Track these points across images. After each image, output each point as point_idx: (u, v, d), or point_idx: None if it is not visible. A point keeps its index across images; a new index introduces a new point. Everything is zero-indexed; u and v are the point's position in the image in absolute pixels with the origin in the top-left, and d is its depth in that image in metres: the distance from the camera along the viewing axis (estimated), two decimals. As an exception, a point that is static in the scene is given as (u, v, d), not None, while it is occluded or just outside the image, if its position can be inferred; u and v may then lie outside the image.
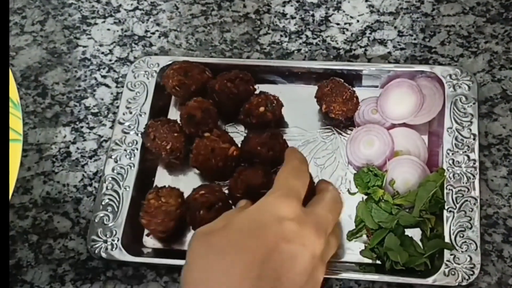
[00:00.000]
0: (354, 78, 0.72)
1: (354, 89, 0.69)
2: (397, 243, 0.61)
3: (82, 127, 0.75)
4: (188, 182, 0.68)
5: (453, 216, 0.61)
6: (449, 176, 0.63)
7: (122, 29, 0.82)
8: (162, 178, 0.70)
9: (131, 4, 0.84)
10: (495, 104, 0.70)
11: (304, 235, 0.49)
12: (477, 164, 0.64)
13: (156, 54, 0.79)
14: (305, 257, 0.49)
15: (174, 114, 0.73)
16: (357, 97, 0.69)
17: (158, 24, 0.81)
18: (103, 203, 0.66)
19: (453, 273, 0.59)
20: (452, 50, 0.74)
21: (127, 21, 0.82)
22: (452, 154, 0.65)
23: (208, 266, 0.48)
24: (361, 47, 0.76)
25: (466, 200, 0.62)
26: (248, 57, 0.77)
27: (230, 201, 0.64)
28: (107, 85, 0.77)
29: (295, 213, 0.50)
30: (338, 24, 0.79)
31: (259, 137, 0.66)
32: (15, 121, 0.62)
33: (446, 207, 0.62)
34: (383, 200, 0.64)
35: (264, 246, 0.48)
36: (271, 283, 0.47)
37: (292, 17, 0.80)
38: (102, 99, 0.76)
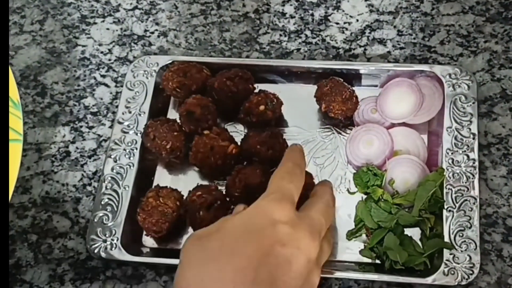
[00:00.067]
0: (354, 77, 0.72)
1: (353, 88, 0.69)
2: (397, 243, 0.61)
3: (81, 126, 0.75)
4: (188, 182, 0.68)
5: (453, 216, 0.61)
6: (448, 176, 0.63)
7: (121, 29, 0.82)
8: (162, 177, 0.70)
9: (131, 4, 0.84)
10: (494, 104, 0.70)
11: (299, 238, 0.49)
12: (476, 163, 0.64)
13: (155, 54, 0.79)
14: (300, 261, 0.48)
15: (173, 113, 0.73)
16: (356, 97, 0.69)
17: (157, 24, 0.81)
18: (102, 202, 0.66)
19: (452, 272, 0.59)
20: (452, 49, 0.74)
21: (127, 20, 0.82)
22: (452, 153, 0.65)
23: (201, 271, 0.47)
24: (360, 46, 0.76)
25: (466, 200, 0.62)
26: (247, 57, 0.77)
27: (228, 200, 0.64)
28: (106, 85, 0.77)
29: (288, 217, 0.50)
30: (337, 23, 0.78)
31: (259, 135, 0.66)
32: (16, 121, 0.62)
33: (445, 207, 0.62)
34: (382, 200, 0.64)
35: (259, 249, 0.47)
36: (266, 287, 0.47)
37: (292, 17, 0.80)
38: (102, 99, 0.76)
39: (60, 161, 0.72)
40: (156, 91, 0.73)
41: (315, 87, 0.70)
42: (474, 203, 0.62)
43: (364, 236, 0.64)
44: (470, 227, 0.61)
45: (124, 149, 0.69)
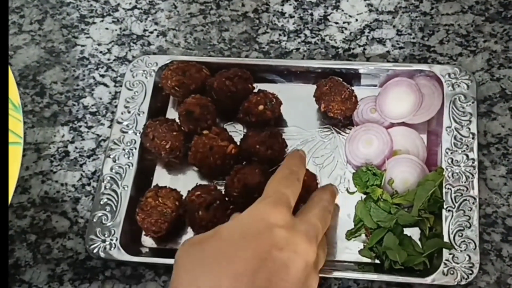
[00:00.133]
0: (353, 77, 0.72)
1: (352, 88, 0.69)
2: (396, 243, 0.61)
3: (80, 126, 0.74)
4: (187, 182, 0.68)
5: (452, 216, 0.61)
6: (448, 175, 0.63)
7: (120, 28, 0.82)
8: (161, 177, 0.70)
9: (130, 3, 0.83)
10: (494, 103, 0.70)
11: (296, 242, 0.48)
12: (476, 163, 0.64)
13: (154, 53, 0.79)
14: (298, 265, 0.48)
15: (172, 113, 0.73)
16: (355, 96, 0.69)
17: (156, 23, 0.81)
18: (101, 202, 0.66)
19: (452, 272, 0.59)
20: (451, 49, 0.74)
21: (126, 20, 0.82)
22: (451, 153, 0.64)
23: (197, 277, 0.46)
24: (359, 46, 0.76)
25: (465, 200, 0.62)
26: (246, 56, 0.77)
27: (227, 200, 0.64)
28: (105, 84, 0.77)
29: (285, 220, 0.49)
30: (336, 23, 0.78)
31: (258, 135, 0.66)
32: (16, 124, 0.62)
33: (445, 207, 0.62)
34: (382, 200, 0.64)
35: (255, 254, 0.47)
36: None
37: (291, 16, 0.80)
38: (101, 99, 0.76)
39: (59, 161, 0.72)
40: (155, 91, 0.73)
41: (314, 86, 0.70)
42: (473, 203, 0.62)
43: (363, 236, 0.64)
44: (469, 227, 0.61)
45: (123, 149, 0.69)
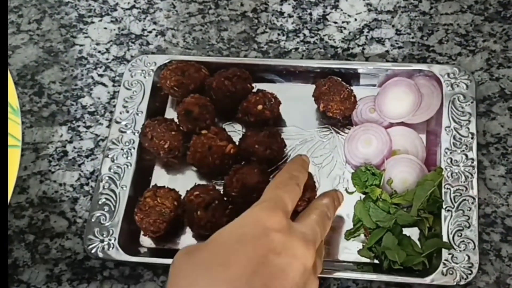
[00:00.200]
0: (352, 77, 0.72)
1: (351, 88, 0.69)
2: (395, 243, 0.61)
3: (78, 126, 0.74)
4: (185, 181, 0.67)
5: (451, 215, 0.61)
6: (447, 175, 0.63)
7: (119, 28, 0.81)
8: (159, 177, 0.69)
9: (128, 3, 0.83)
10: (493, 103, 0.70)
11: (293, 247, 0.47)
12: (475, 163, 0.64)
13: (153, 53, 0.78)
14: (295, 270, 0.46)
15: (171, 113, 0.73)
16: (354, 96, 0.69)
17: (155, 23, 0.81)
18: (99, 202, 0.66)
19: (451, 272, 0.59)
20: (450, 48, 0.74)
21: (124, 19, 0.82)
22: (450, 153, 0.64)
23: (193, 283, 0.45)
24: (358, 45, 0.76)
25: (464, 199, 0.62)
26: (245, 56, 0.77)
27: (226, 199, 0.64)
28: (104, 84, 0.77)
29: (281, 225, 0.48)
30: (335, 22, 0.78)
31: (257, 135, 0.66)
32: (14, 127, 0.62)
33: (444, 206, 0.62)
34: (381, 199, 0.64)
35: (252, 259, 0.45)
36: None
37: (290, 16, 0.80)
38: (99, 98, 0.76)
39: (58, 161, 0.72)
40: (153, 90, 0.72)
41: (313, 86, 0.70)
42: (472, 203, 0.62)
43: (362, 236, 0.64)
44: (468, 227, 0.61)
45: (122, 149, 0.69)
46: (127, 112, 0.71)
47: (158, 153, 0.68)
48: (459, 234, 0.60)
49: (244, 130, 0.70)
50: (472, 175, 0.63)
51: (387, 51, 0.75)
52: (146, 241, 0.66)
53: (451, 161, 0.64)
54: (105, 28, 0.82)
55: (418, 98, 0.68)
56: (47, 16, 0.83)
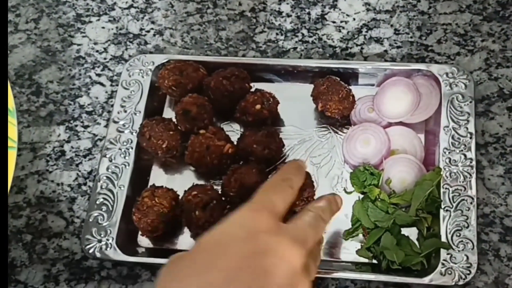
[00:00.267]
0: (350, 76, 0.71)
1: (350, 87, 0.69)
2: (394, 243, 0.61)
3: (76, 125, 0.74)
4: (184, 181, 0.67)
5: (450, 215, 0.61)
6: (445, 175, 0.63)
7: (116, 27, 0.81)
8: (158, 177, 0.69)
9: (126, 2, 0.83)
10: (491, 103, 0.70)
11: (279, 248, 0.45)
12: (473, 163, 0.64)
13: (151, 53, 0.78)
14: (281, 271, 0.45)
15: (169, 112, 0.73)
16: (353, 96, 0.69)
17: (153, 22, 0.81)
18: (97, 202, 0.66)
19: (449, 272, 0.59)
20: (449, 48, 0.74)
21: (122, 19, 0.82)
22: (449, 153, 0.64)
23: None
24: (357, 45, 0.76)
25: (463, 199, 0.62)
26: (243, 55, 0.77)
27: (224, 199, 0.64)
28: (101, 84, 0.77)
29: (267, 225, 0.47)
30: (334, 22, 0.78)
31: (255, 135, 0.65)
32: (10, 128, 0.61)
33: (442, 206, 0.62)
34: (379, 199, 0.64)
35: (233, 262, 0.44)
36: None
37: (288, 15, 0.79)
38: (97, 98, 0.76)
39: (55, 161, 0.72)
40: (151, 90, 0.72)
41: (312, 86, 0.70)
42: (471, 203, 0.62)
43: (361, 235, 0.63)
44: (467, 227, 0.60)
45: (120, 149, 0.69)
46: (125, 111, 0.71)
47: (156, 153, 0.67)
48: (458, 234, 0.60)
49: (242, 130, 0.70)
50: (470, 175, 0.63)
51: (385, 51, 0.75)
52: (144, 241, 0.66)
53: (449, 161, 0.64)
54: (103, 27, 0.82)
55: (416, 98, 0.68)
56: (44, 16, 0.83)
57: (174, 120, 0.69)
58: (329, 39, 0.77)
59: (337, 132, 0.70)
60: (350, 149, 0.67)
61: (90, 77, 0.78)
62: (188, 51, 0.78)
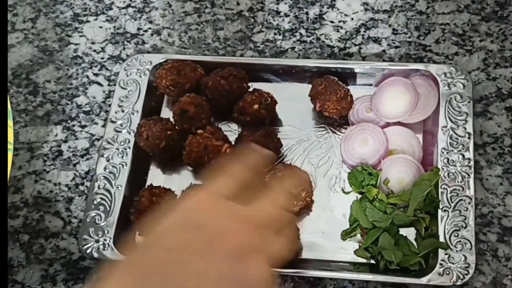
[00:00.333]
0: (348, 76, 0.71)
1: (348, 87, 0.69)
2: (392, 243, 0.61)
3: (74, 125, 0.74)
4: (181, 181, 0.67)
5: (448, 216, 0.61)
6: (443, 175, 0.63)
7: (114, 27, 0.81)
8: (155, 177, 0.69)
9: (123, 2, 0.83)
10: (490, 103, 0.70)
11: (214, 224, 0.39)
12: (472, 163, 0.64)
13: (148, 52, 0.78)
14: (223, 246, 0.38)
15: (166, 112, 0.73)
16: (351, 96, 0.69)
17: (150, 22, 0.81)
18: (95, 202, 0.65)
19: (447, 272, 0.59)
20: (447, 48, 0.74)
21: (119, 18, 0.82)
22: (447, 153, 0.64)
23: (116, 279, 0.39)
24: (355, 45, 0.76)
25: (461, 199, 0.62)
26: (241, 55, 0.77)
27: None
28: (99, 83, 0.77)
29: (199, 200, 0.40)
30: (332, 22, 0.78)
31: (253, 135, 0.65)
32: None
33: (440, 206, 0.62)
34: (377, 199, 0.64)
35: (145, 259, 0.38)
36: None
37: (286, 15, 0.79)
38: (94, 98, 0.76)
39: (52, 161, 0.72)
40: (149, 89, 0.72)
41: (310, 86, 0.70)
42: (469, 203, 0.61)
43: (358, 236, 0.63)
44: (465, 227, 0.60)
45: (117, 148, 0.68)
46: (123, 111, 0.71)
47: (153, 153, 0.67)
48: (456, 234, 0.60)
49: (240, 130, 0.70)
50: (468, 175, 0.63)
51: (383, 51, 0.75)
52: (142, 241, 0.66)
53: (447, 161, 0.64)
54: (101, 27, 0.81)
55: (414, 98, 0.68)
56: (42, 15, 0.83)
57: (171, 120, 0.69)
58: (327, 39, 0.77)
59: (335, 132, 0.70)
60: (348, 149, 0.67)
61: (87, 76, 0.77)
62: (186, 50, 0.78)
